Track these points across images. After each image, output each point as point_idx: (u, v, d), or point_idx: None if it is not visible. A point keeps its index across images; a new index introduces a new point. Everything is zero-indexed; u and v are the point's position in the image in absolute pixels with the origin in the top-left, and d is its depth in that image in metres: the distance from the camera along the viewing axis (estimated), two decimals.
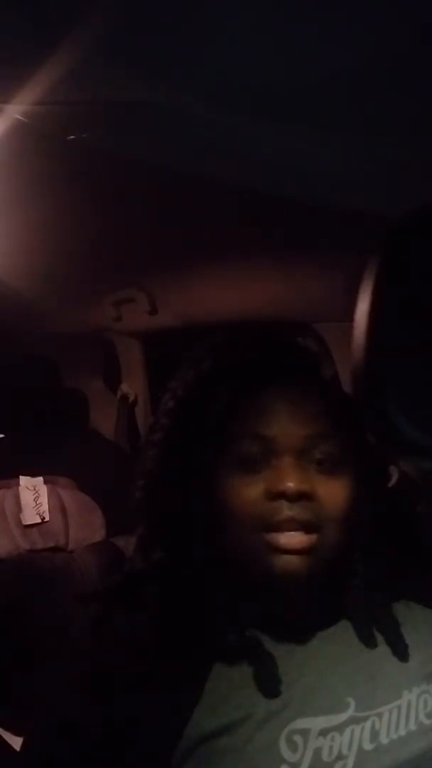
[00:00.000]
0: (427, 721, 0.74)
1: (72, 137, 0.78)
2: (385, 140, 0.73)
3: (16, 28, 0.58)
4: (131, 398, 2.15)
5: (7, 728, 1.38)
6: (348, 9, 0.51)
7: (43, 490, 1.65)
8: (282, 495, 0.70)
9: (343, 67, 0.59)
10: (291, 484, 0.69)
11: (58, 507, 1.65)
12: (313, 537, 0.70)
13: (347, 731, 0.71)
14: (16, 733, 1.35)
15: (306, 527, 0.70)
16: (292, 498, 0.70)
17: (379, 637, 0.77)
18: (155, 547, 0.77)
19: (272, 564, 0.70)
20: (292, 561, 0.70)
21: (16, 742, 1.32)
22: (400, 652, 0.76)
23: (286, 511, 0.70)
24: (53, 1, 0.56)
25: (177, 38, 0.57)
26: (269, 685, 0.71)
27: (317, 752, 0.70)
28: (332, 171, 0.81)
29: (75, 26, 0.56)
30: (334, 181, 0.84)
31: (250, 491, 0.71)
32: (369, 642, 0.76)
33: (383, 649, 0.76)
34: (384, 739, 0.72)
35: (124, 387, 2.17)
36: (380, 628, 0.77)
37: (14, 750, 1.30)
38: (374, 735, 0.72)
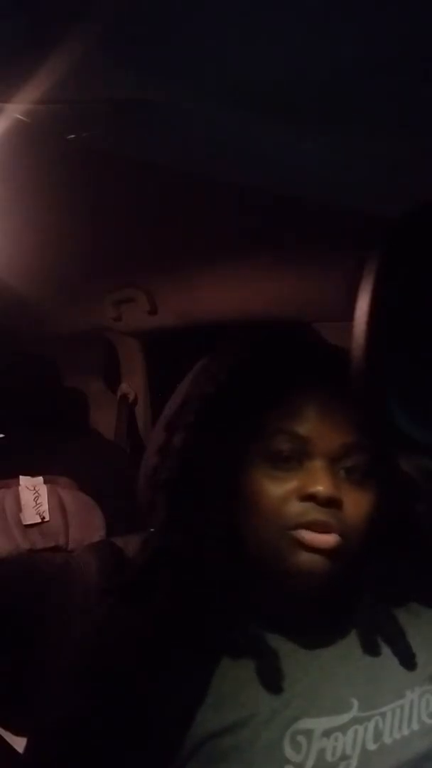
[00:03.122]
0: (429, 721, 0.74)
1: (72, 136, 0.77)
2: (385, 140, 0.73)
3: (16, 28, 0.58)
4: (131, 398, 2.15)
5: (7, 728, 1.38)
6: (349, 7, 0.51)
7: (43, 490, 1.65)
8: (312, 498, 0.70)
9: (344, 66, 0.59)
10: (322, 488, 0.69)
11: (58, 507, 1.65)
12: (339, 539, 0.70)
13: (351, 731, 0.71)
14: (17, 733, 1.35)
15: (333, 529, 0.70)
16: (323, 502, 0.69)
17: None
18: (175, 531, 0.77)
19: (296, 560, 0.70)
20: (315, 559, 0.70)
21: (16, 742, 1.32)
22: (407, 661, 0.76)
23: (315, 514, 0.69)
24: (53, 1, 0.56)
25: (177, 37, 0.57)
26: (271, 680, 0.71)
27: (321, 753, 0.70)
28: (332, 170, 0.81)
29: (75, 26, 0.56)
30: (334, 180, 0.84)
31: (279, 488, 0.71)
32: (373, 651, 0.76)
33: (387, 650, 0.76)
34: (387, 739, 0.72)
35: (124, 387, 2.16)
36: (385, 638, 0.76)
37: (15, 750, 1.30)
38: (377, 735, 0.72)
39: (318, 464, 0.71)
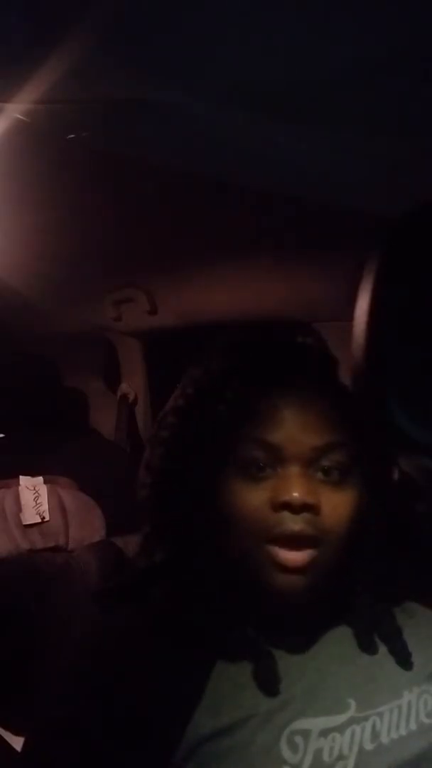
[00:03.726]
0: (427, 721, 0.74)
1: (72, 136, 0.78)
2: (385, 139, 0.73)
3: (16, 28, 0.58)
4: (131, 398, 2.15)
5: (7, 728, 1.38)
6: (348, 6, 0.51)
7: (43, 490, 1.65)
8: (286, 506, 0.69)
9: (344, 66, 0.59)
10: (296, 495, 0.69)
11: (58, 507, 1.65)
12: (313, 553, 0.69)
13: (348, 731, 0.71)
14: (16, 733, 1.35)
15: (307, 542, 0.69)
16: (297, 510, 0.69)
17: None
18: (159, 547, 0.77)
19: (271, 580, 0.70)
20: (290, 579, 0.69)
21: (16, 742, 1.32)
22: (404, 660, 0.75)
23: (290, 523, 0.69)
24: (53, 1, 0.56)
25: (177, 37, 0.57)
26: (268, 682, 0.71)
27: (318, 753, 0.70)
28: (332, 170, 0.81)
29: (75, 26, 0.56)
30: (334, 180, 0.84)
31: (254, 498, 0.70)
32: (370, 650, 0.75)
33: (384, 649, 0.76)
34: (385, 739, 0.72)
35: (124, 387, 2.16)
36: (382, 637, 0.76)
37: (14, 750, 1.30)
38: (375, 735, 0.72)
39: (292, 470, 0.70)
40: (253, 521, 0.70)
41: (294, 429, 0.71)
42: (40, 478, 1.67)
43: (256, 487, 0.71)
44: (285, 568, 0.69)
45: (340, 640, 0.76)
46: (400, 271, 0.57)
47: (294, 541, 0.69)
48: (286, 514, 0.69)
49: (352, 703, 0.73)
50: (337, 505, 0.71)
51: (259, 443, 0.71)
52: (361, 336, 0.56)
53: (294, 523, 0.69)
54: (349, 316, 0.60)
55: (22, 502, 1.63)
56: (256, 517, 0.70)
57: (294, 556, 0.69)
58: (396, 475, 0.80)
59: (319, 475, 0.71)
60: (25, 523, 1.62)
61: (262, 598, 0.73)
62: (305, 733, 0.70)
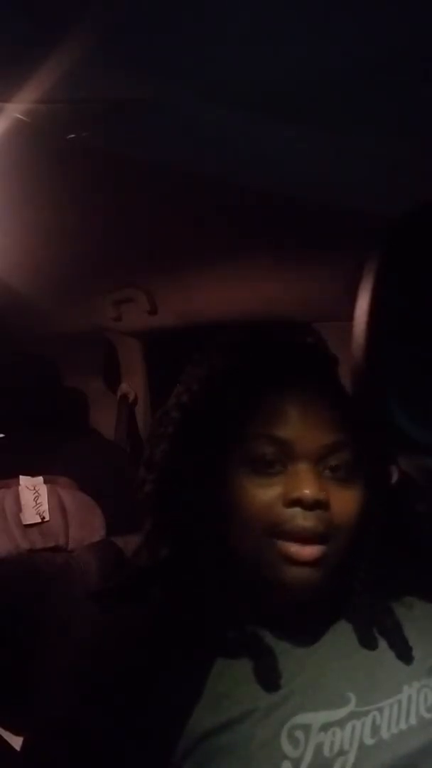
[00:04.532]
0: (427, 716, 0.74)
1: (72, 136, 0.78)
2: (385, 140, 0.73)
3: (16, 28, 0.58)
4: (131, 398, 2.15)
5: (7, 728, 1.38)
6: (348, 6, 0.51)
7: (43, 490, 1.65)
8: (298, 502, 0.69)
9: (344, 66, 0.59)
10: (308, 492, 0.69)
11: (58, 507, 1.65)
12: (323, 548, 0.70)
13: (348, 726, 0.71)
14: (16, 733, 1.35)
15: (317, 538, 0.70)
16: (309, 506, 0.69)
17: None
18: (162, 544, 0.77)
19: (281, 573, 0.70)
20: (301, 572, 0.70)
21: (16, 742, 1.32)
22: (404, 655, 0.76)
23: (300, 520, 0.69)
24: (53, 1, 0.56)
25: (177, 37, 0.57)
26: (269, 679, 0.71)
27: (318, 747, 0.70)
28: (332, 170, 0.81)
29: (75, 26, 0.56)
30: (334, 180, 0.84)
31: (263, 494, 0.70)
32: (370, 645, 0.76)
33: (384, 644, 0.76)
34: (385, 734, 0.72)
35: (124, 387, 2.17)
36: (381, 631, 0.76)
37: (14, 750, 1.30)
38: (375, 730, 0.72)
39: (302, 467, 0.71)
40: (263, 517, 0.70)
41: (302, 426, 0.72)
42: (40, 478, 1.67)
43: (266, 483, 0.71)
44: (297, 561, 0.69)
45: (339, 635, 0.76)
46: (400, 271, 0.57)
47: (306, 537, 0.69)
48: (297, 511, 0.69)
49: (352, 697, 0.73)
50: (344, 502, 0.71)
51: (268, 439, 0.71)
52: (361, 336, 0.56)
53: (305, 520, 0.69)
54: (349, 316, 0.60)
55: (22, 502, 1.63)
56: (265, 513, 0.70)
57: (306, 551, 0.69)
58: (396, 475, 0.80)
59: (327, 472, 0.72)
60: (25, 523, 1.62)
61: (268, 594, 0.73)
62: (306, 728, 0.70)
